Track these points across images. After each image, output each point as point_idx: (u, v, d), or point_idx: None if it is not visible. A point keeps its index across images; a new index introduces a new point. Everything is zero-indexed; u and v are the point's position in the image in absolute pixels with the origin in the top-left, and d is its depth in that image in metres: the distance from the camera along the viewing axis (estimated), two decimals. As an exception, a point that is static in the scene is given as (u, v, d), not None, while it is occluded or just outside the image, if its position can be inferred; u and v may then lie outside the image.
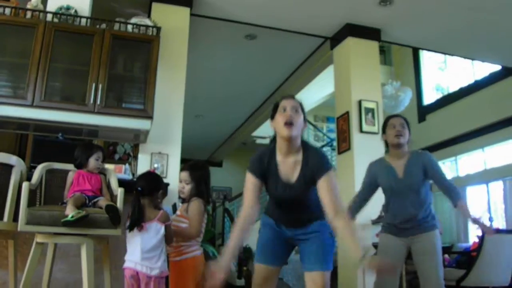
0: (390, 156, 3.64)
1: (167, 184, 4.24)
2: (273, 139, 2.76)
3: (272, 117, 2.70)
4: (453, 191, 3.50)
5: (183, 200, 3.30)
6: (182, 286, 3.10)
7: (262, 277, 2.78)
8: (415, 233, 3.49)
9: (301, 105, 2.69)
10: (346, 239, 2.44)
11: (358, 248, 2.34)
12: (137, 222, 2.92)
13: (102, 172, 3.53)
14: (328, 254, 2.70)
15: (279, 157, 2.68)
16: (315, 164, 2.60)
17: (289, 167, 2.65)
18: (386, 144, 3.70)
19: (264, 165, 2.68)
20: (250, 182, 2.68)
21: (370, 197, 3.72)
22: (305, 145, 2.69)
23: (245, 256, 9.74)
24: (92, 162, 3.41)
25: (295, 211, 2.75)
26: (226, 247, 2.49)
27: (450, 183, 3.57)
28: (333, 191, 2.54)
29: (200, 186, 3.21)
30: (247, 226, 2.58)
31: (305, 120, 2.70)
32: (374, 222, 5.36)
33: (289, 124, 2.55)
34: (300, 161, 2.64)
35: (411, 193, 3.49)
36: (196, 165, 3.30)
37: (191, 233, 3.12)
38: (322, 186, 2.55)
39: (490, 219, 8.23)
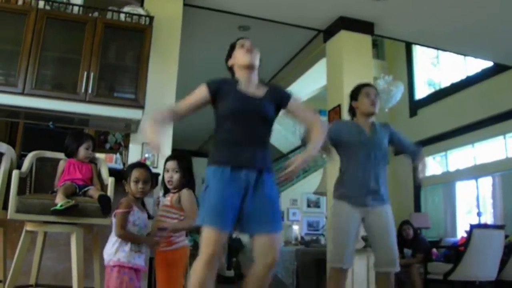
0: (357, 122, 3.67)
1: (157, 174, 4.22)
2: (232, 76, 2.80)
3: (229, 55, 2.79)
4: (413, 147, 3.72)
5: (167, 190, 3.30)
6: (173, 276, 3.12)
7: (215, 247, 2.37)
8: (372, 204, 3.45)
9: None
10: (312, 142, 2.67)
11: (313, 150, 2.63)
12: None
13: (93, 161, 3.52)
14: (277, 214, 2.59)
15: (241, 81, 2.71)
16: (281, 90, 2.77)
17: (252, 87, 2.69)
18: (352, 111, 3.74)
19: (223, 82, 2.70)
20: (198, 92, 2.69)
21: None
22: (264, 81, 2.79)
23: (234, 247, 9.77)
24: (82, 151, 3.40)
25: (253, 128, 2.59)
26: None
27: (411, 142, 3.76)
28: (305, 108, 2.76)
29: (187, 175, 3.23)
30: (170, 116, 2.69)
31: (261, 60, 2.80)
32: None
33: (250, 51, 2.70)
34: (264, 86, 2.74)
35: (377, 151, 3.51)
36: (181, 155, 3.33)
37: (194, 224, 3.15)
38: (296, 106, 2.74)
39: (479, 214, 8.29)
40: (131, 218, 2.99)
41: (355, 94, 3.70)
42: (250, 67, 2.70)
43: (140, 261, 3.00)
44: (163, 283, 3.11)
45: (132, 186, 3.08)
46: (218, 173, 2.49)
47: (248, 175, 2.49)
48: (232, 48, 2.80)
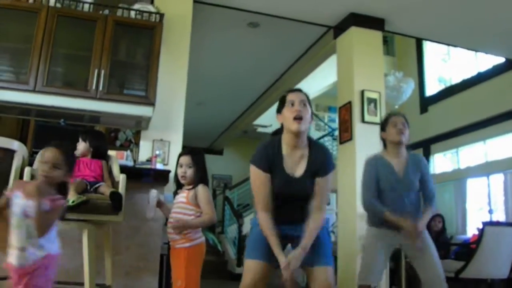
0: (388, 154, 3.69)
1: (167, 171, 4.21)
2: (276, 132, 2.77)
3: (279, 110, 2.70)
4: (429, 197, 3.63)
5: (180, 186, 3.29)
6: (192, 272, 3.10)
7: (253, 276, 2.56)
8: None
9: (308, 98, 2.70)
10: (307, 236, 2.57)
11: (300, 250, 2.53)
12: None
13: (105, 158, 3.54)
14: (328, 251, 2.65)
15: (285, 150, 2.68)
16: (322, 162, 2.67)
17: (295, 160, 2.67)
18: (383, 142, 3.77)
19: (269, 157, 2.66)
20: (259, 177, 2.66)
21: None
22: (311, 141, 2.73)
23: (244, 244, 9.78)
24: None
25: (295, 207, 2.68)
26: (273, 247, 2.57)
27: (432, 191, 3.65)
28: (325, 192, 2.69)
29: (201, 170, 3.22)
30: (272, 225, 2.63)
31: (312, 114, 2.72)
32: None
33: (298, 119, 2.58)
34: (306, 155, 2.67)
35: (409, 193, 3.57)
36: (195, 150, 3.32)
37: (213, 219, 3.16)
38: (319, 185, 2.65)
39: (490, 212, 8.24)
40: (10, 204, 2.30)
41: (383, 125, 3.74)
42: (297, 135, 2.64)
43: (11, 259, 2.25)
44: (182, 280, 3.09)
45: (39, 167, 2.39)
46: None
47: (287, 228, 2.66)
48: (282, 102, 2.70)
